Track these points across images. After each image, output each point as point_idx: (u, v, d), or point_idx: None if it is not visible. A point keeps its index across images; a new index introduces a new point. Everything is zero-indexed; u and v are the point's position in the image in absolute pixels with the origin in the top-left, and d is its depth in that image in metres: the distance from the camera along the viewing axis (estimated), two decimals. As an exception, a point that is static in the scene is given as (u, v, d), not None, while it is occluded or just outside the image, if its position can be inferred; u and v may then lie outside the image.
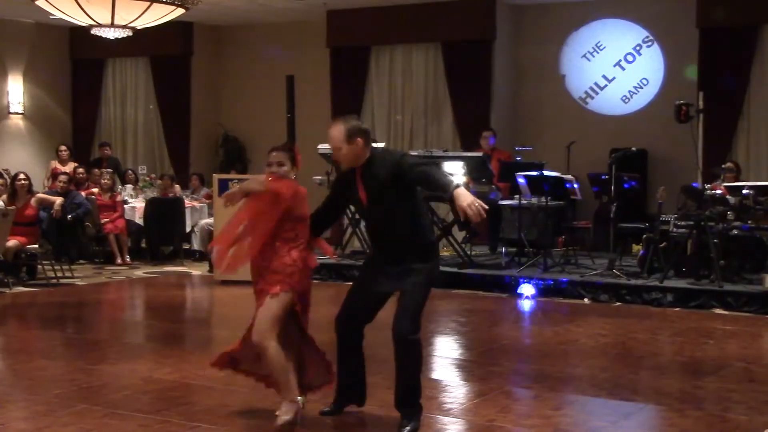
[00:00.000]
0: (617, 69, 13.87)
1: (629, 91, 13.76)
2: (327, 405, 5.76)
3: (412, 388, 5.44)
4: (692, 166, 11.67)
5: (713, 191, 10.34)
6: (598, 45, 13.97)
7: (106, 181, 13.93)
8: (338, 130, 5.33)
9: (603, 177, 11.04)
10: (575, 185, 11.22)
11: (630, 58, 13.79)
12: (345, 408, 5.75)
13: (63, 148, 15.17)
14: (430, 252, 5.47)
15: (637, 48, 13.74)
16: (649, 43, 13.68)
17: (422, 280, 5.35)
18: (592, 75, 14.05)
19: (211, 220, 13.25)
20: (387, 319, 10.01)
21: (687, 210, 10.80)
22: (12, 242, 11.15)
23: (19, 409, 6.06)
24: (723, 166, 11.27)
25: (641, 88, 13.68)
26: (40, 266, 11.91)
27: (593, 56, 14.02)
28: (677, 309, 9.88)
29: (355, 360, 5.64)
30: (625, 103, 13.81)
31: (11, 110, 16.42)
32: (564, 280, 10.67)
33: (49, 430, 5.46)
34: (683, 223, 10.56)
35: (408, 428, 5.36)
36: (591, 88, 14.03)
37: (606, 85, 13.95)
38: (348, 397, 5.74)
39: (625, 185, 10.98)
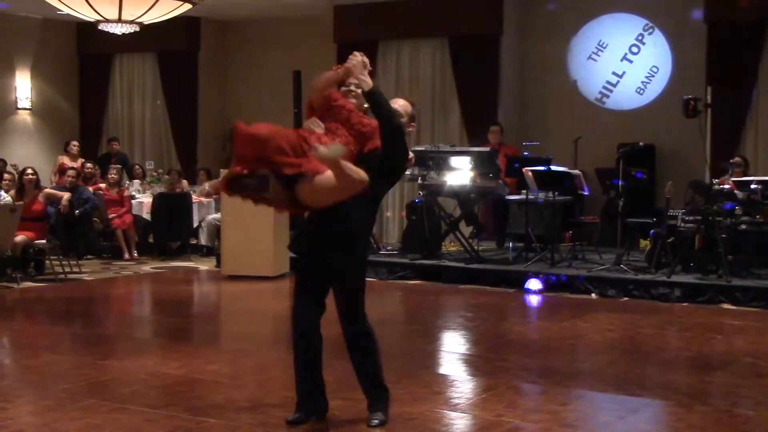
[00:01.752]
0: (625, 63, 13.82)
1: (642, 82, 13.67)
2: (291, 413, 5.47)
3: (378, 376, 5.39)
4: (700, 161, 11.65)
5: (721, 186, 10.32)
6: (601, 44, 13.91)
7: (113, 176, 13.95)
8: (408, 104, 5.42)
9: (639, 175, 10.92)
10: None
11: (635, 49, 13.74)
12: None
13: (74, 143, 15.15)
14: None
15: (640, 38, 13.69)
16: (650, 30, 13.61)
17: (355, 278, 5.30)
18: (602, 74, 13.95)
19: (218, 215, 13.26)
20: (386, 315, 10.03)
21: (695, 205, 10.77)
22: (20, 237, 11.18)
23: (27, 403, 6.08)
24: (731, 160, 11.23)
25: (653, 76, 13.59)
26: (48, 261, 11.94)
27: (599, 56, 13.96)
28: (685, 304, 9.86)
29: (319, 363, 5.41)
30: (641, 94, 13.70)
31: (19, 106, 16.44)
32: (571, 275, 10.66)
33: (57, 424, 5.47)
34: (691, 218, 10.54)
35: (376, 420, 5.32)
36: (604, 87, 13.93)
37: (618, 81, 13.87)
38: (314, 406, 5.43)
39: (638, 174, 10.93)
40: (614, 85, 13.90)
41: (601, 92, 13.97)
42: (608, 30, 13.90)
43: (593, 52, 14.00)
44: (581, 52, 14.07)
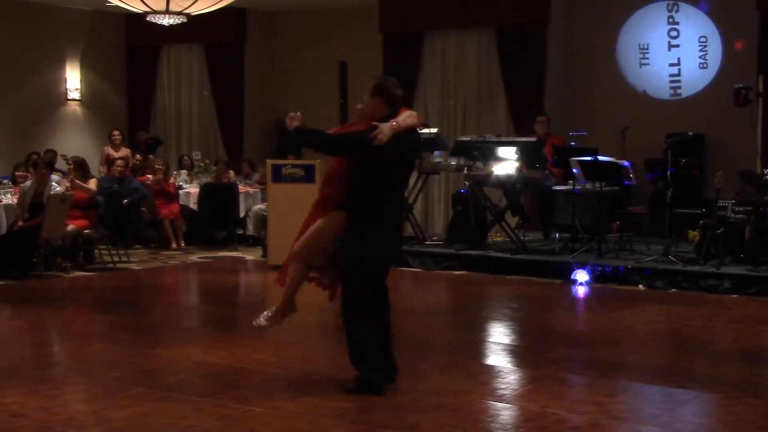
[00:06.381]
0: (674, 50, 13.60)
1: (698, 56, 13.42)
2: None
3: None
4: (751, 151, 11.49)
5: (772, 176, 10.17)
6: (642, 47, 13.72)
7: (159, 167, 14.03)
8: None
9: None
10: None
11: (674, 33, 13.53)
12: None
13: (116, 133, 15.24)
14: None
15: (671, 20, 13.48)
16: (675, 8, 13.41)
17: None
18: (662, 72, 13.68)
19: (264, 206, 13.32)
20: (432, 306, 10.01)
21: (745, 195, 10.63)
22: (70, 227, 11.31)
23: (77, 391, 6.16)
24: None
25: (706, 45, 13.33)
26: (97, 251, 12.08)
27: (647, 59, 13.75)
28: (734, 296, 9.73)
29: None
30: (705, 68, 13.41)
31: (69, 97, 16.63)
32: (619, 266, 10.56)
33: (106, 412, 5.54)
34: (741, 208, 10.40)
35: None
36: (671, 82, 13.68)
37: (679, 69, 13.63)
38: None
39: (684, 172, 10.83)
40: (678, 75, 13.62)
41: (671, 88, 13.67)
42: (640, 31, 13.68)
43: (641, 59, 13.79)
44: (630, 65, 13.83)
